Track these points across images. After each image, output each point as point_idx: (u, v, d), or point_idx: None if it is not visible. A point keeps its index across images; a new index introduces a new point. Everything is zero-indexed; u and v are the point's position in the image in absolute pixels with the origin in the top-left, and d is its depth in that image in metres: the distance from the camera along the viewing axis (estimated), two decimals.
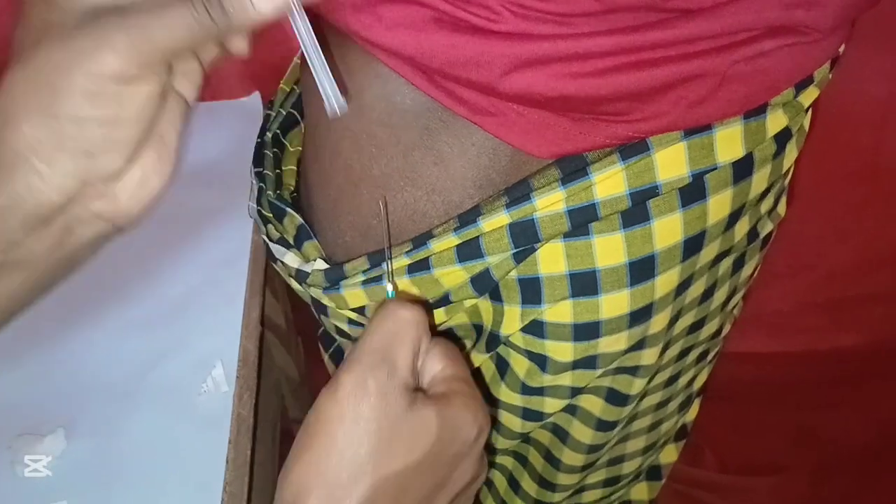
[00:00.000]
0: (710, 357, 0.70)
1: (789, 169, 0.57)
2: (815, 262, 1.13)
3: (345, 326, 0.64)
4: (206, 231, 0.81)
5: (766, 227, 0.60)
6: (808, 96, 0.52)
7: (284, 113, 0.68)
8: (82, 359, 0.74)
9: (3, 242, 0.40)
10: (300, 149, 0.68)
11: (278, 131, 0.68)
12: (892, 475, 1.23)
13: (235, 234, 0.84)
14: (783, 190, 0.61)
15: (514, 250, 0.51)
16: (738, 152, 0.50)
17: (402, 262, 0.54)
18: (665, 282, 0.54)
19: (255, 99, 1.04)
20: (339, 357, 0.75)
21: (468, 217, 0.52)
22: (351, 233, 0.57)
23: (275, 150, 0.67)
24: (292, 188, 0.67)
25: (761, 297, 1.16)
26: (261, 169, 0.65)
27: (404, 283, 0.54)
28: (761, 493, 1.26)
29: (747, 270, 0.63)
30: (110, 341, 0.76)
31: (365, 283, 0.55)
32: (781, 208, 0.62)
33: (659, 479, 0.85)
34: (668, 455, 0.83)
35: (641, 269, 0.52)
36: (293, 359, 1.12)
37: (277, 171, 0.66)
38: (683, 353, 0.65)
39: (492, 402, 0.63)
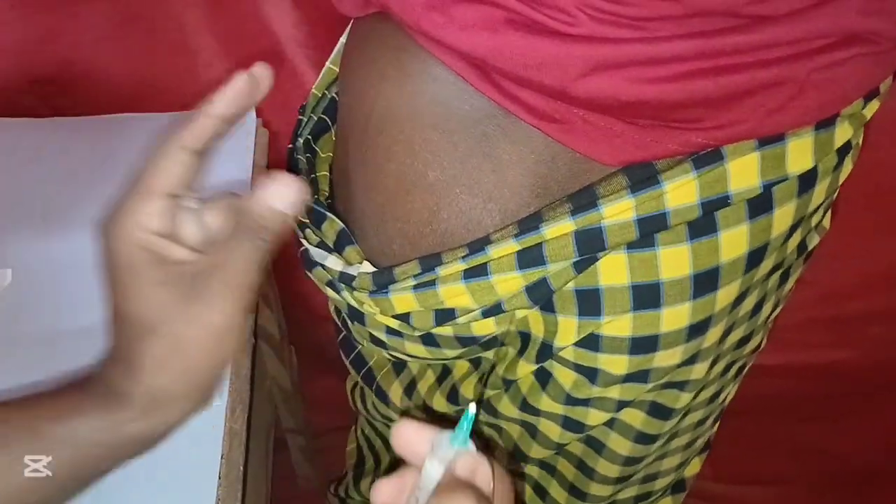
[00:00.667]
0: (744, 372, 0.70)
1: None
2: (816, 280, 1.14)
3: (382, 336, 0.62)
4: None
5: (814, 241, 0.60)
6: (871, 108, 0.52)
7: (316, 118, 0.66)
8: (74, 369, 0.71)
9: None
10: (331, 154, 0.66)
11: (309, 137, 0.66)
12: (891, 489, 1.25)
13: None
14: (831, 204, 0.60)
15: (577, 258, 0.50)
16: (808, 164, 0.50)
17: (456, 267, 0.52)
18: (726, 294, 0.53)
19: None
20: (360, 363, 0.74)
21: (529, 224, 0.50)
22: (400, 240, 0.55)
23: (307, 155, 0.65)
24: (326, 194, 0.65)
25: None
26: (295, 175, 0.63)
27: (458, 288, 0.53)
28: None
29: (790, 283, 0.62)
30: (100, 353, 0.73)
31: (416, 287, 0.54)
32: (826, 221, 0.62)
33: (683, 490, 0.84)
34: (693, 468, 0.82)
35: (705, 282, 0.52)
36: (286, 369, 1.11)
37: (312, 176, 0.64)
38: (727, 368, 0.64)
39: (529, 410, 0.61)
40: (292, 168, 0.64)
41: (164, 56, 0.98)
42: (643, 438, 0.63)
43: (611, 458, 0.65)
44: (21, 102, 1.00)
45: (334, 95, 0.66)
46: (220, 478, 0.63)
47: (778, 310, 0.65)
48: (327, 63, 0.66)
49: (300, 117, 0.68)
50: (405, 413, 0.70)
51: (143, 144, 0.98)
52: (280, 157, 0.83)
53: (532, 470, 0.74)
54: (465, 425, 0.38)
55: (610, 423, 0.63)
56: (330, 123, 0.66)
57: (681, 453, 0.71)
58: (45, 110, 1.02)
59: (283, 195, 0.44)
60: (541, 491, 0.74)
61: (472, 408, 0.38)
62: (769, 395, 1.26)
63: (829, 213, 0.62)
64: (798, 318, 1.17)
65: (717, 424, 0.77)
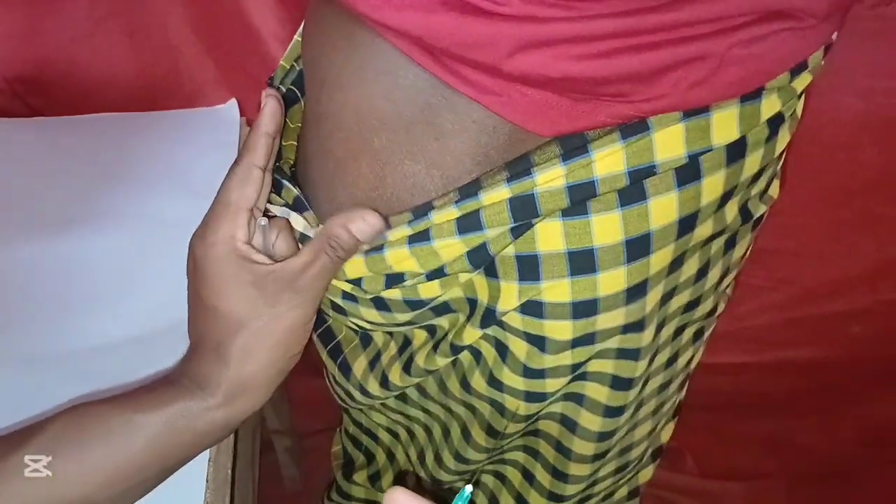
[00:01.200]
0: (705, 336, 0.72)
1: (782, 153, 0.58)
2: (793, 279, 1.15)
3: (339, 300, 0.64)
4: (185, 240, 0.80)
5: (759, 209, 0.61)
6: (802, 82, 0.54)
7: (284, 90, 0.68)
8: (65, 371, 0.73)
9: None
10: (300, 125, 0.68)
11: None
12: (866, 482, 1.26)
13: None
14: (775, 174, 0.62)
15: (513, 224, 0.52)
16: (733, 135, 0.52)
17: (403, 231, 0.54)
18: (660, 259, 0.55)
19: (232, 106, 1.03)
20: (328, 337, 0.76)
21: (468, 190, 0.53)
22: (349, 205, 0.58)
23: None
24: (292, 162, 0.67)
25: (741, 310, 1.19)
26: None
27: (404, 253, 0.55)
28: (739, 499, 1.28)
29: (739, 251, 0.64)
30: (90, 354, 0.74)
31: (366, 252, 0.56)
32: (773, 191, 0.64)
33: (660, 456, 0.86)
34: (667, 432, 0.84)
35: (638, 247, 0.54)
36: None
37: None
38: (678, 332, 0.66)
39: (496, 385, 0.64)
40: None
41: (146, 54, 0.99)
42: (611, 412, 0.65)
43: (584, 436, 0.67)
44: None
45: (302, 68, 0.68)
46: (207, 480, 0.65)
47: (731, 276, 0.67)
48: (295, 36, 0.69)
49: (269, 86, 0.69)
50: (363, 392, 0.72)
51: (122, 144, 0.99)
52: None
53: (518, 456, 0.77)
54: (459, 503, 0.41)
55: (578, 401, 0.65)
56: (299, 95, 0.68)
57: (650, 420, 0.73)
58: (22, 110, 1.02)
59: (363, 228, 0.52)
60: (529, 476, 0.76)
61: (469, 488, 0.40)
62: (752, 392, 1.28)
63: (775, 183, 0.64)
64: (779, 317, 1.19)
65: (683, 389, 0.79)
